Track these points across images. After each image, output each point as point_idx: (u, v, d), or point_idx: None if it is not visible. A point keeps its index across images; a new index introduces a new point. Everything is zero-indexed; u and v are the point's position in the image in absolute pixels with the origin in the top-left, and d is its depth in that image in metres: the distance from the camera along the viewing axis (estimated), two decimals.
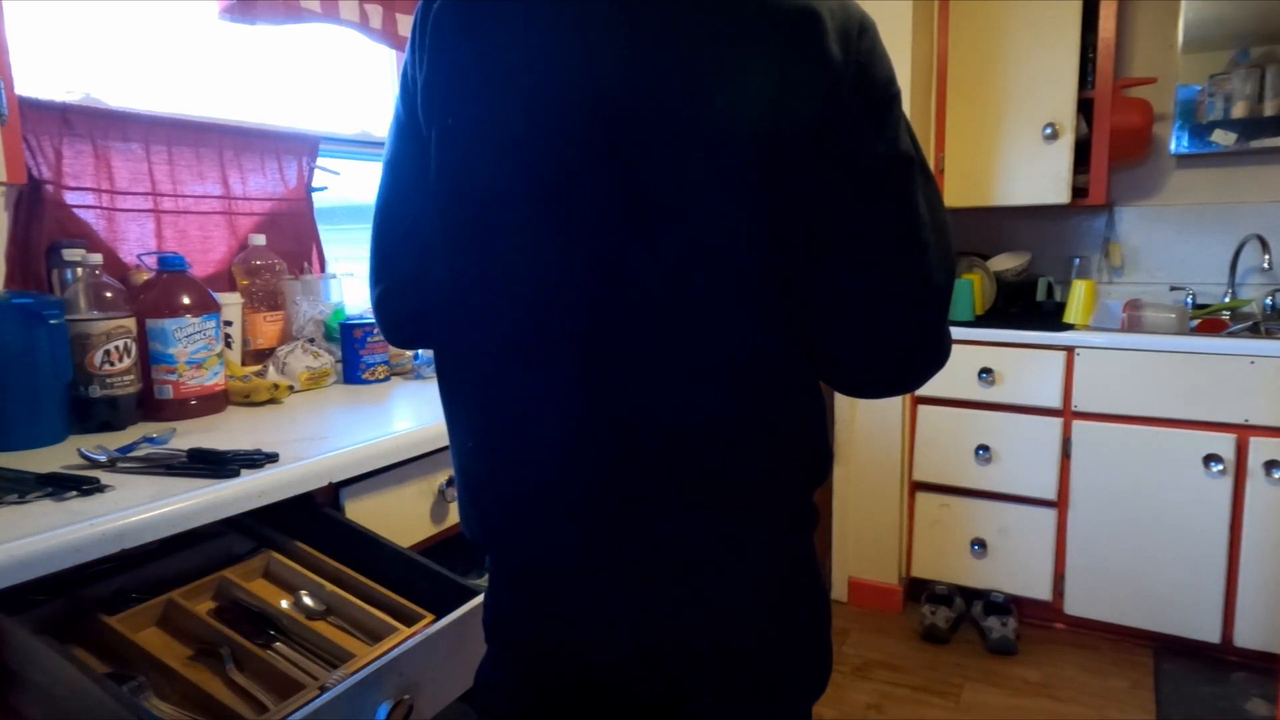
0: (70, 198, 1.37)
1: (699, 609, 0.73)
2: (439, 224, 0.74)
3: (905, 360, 0.74)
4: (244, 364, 1.62)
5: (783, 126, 0.66)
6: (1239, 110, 2.49)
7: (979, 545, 2.54)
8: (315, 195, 1.83)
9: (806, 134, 0.67)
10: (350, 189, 1.95)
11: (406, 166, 0.77)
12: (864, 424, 2.63)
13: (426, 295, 0.78)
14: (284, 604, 1.05)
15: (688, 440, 0.70)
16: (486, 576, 0.84)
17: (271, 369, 1.55)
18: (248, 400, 1.42)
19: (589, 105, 0.66)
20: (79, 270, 1.27)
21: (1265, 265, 2.49)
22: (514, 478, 0.73)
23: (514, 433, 0.72)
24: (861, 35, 0.69)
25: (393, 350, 1.71)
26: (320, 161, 1.83)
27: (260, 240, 1.68)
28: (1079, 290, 2.48)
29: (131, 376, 1.26)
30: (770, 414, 0.72)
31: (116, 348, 1.24)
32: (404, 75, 0.76)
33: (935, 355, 0.74)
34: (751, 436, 0.71)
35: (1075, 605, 2.42)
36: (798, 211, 0.69)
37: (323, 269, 1.84)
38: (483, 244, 0.71)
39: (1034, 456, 2.43)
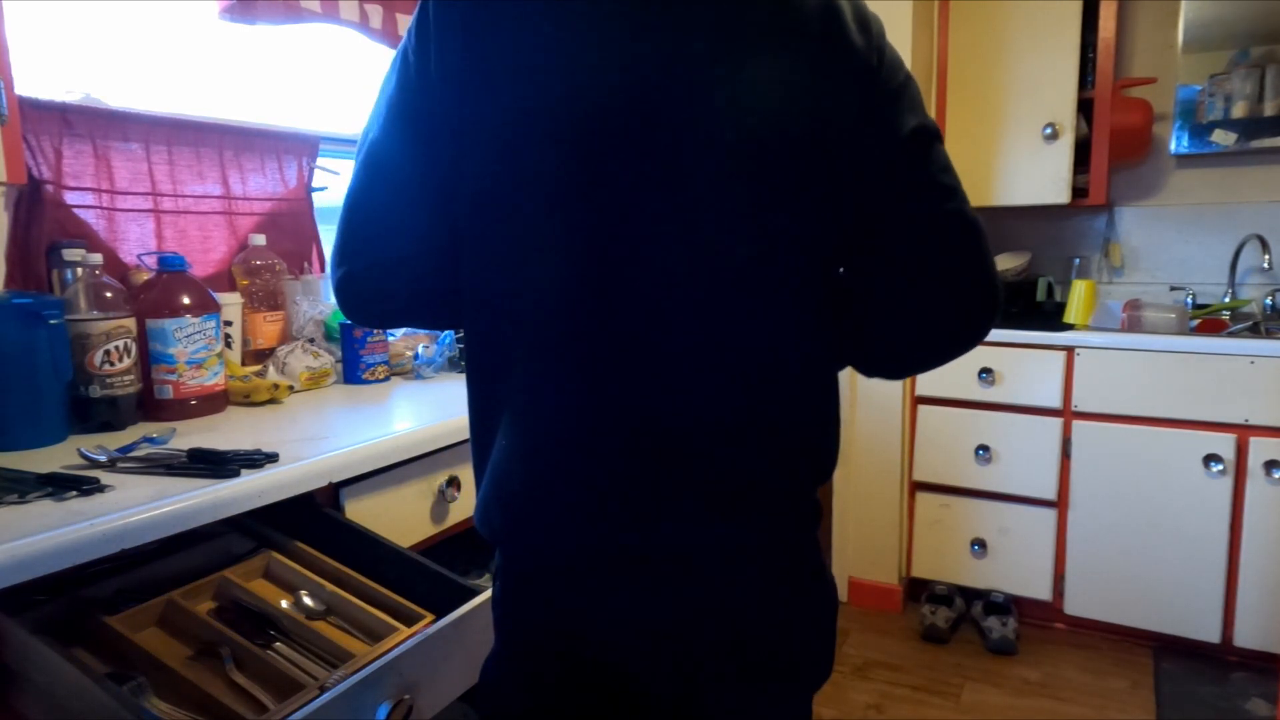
0: (70, 198, 1.37)
1: (710, 602, 0.74)
2: (446, 224, 0.74)
3: (958, 322, 0.75)
4: (244, 364, 1.62)
5: (817, 119, 0.68)
6: (1239, 110, 2.49)
7: (979, 545, 2.54)
8: (315, 195, 1.83)
9: (841, 124, 0.69)
10: None
11: (394, 158, 0.76)
12: (864, 424, 2.63)
13: (398, 279, 0.78)
14: (284, 604, 1.05)
15: (701, 437, 0.70)
16: (490, 575, 0.84)
17: (271, 369, 1.55)
18: (248, 400, 1.42)
19: (609, 102, 0.67)
20: (79, 270, 1.27)
21: (1265, 265, 2.49)
22: (533, 474, 0.73)
23: (534, 430, 0.72)
24: (873, 23, 0.73)
25: (393, 350, 1.71)
26: (320, 161, 1.83)
27: (260, 240, 1.68)
28: (1079, 290, 2.47)
29: (131, 376, 1.26)
30: (784, 411, 0.73)
31: (116, 348, 1.24)
32: (403, 66, 0.75)
33: (992, 289, 0.74)
34: (765, 434, 0.72)
35: (1075, 605, 2.42)
36: (831, 200, 0.71)
37: (323, 269, 1.84)
38: (501, 244, 0.71)
39: (1034, 456, 2.43)
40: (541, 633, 0.78)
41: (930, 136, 0.73)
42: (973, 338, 0.77)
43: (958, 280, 0.73)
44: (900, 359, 0.80)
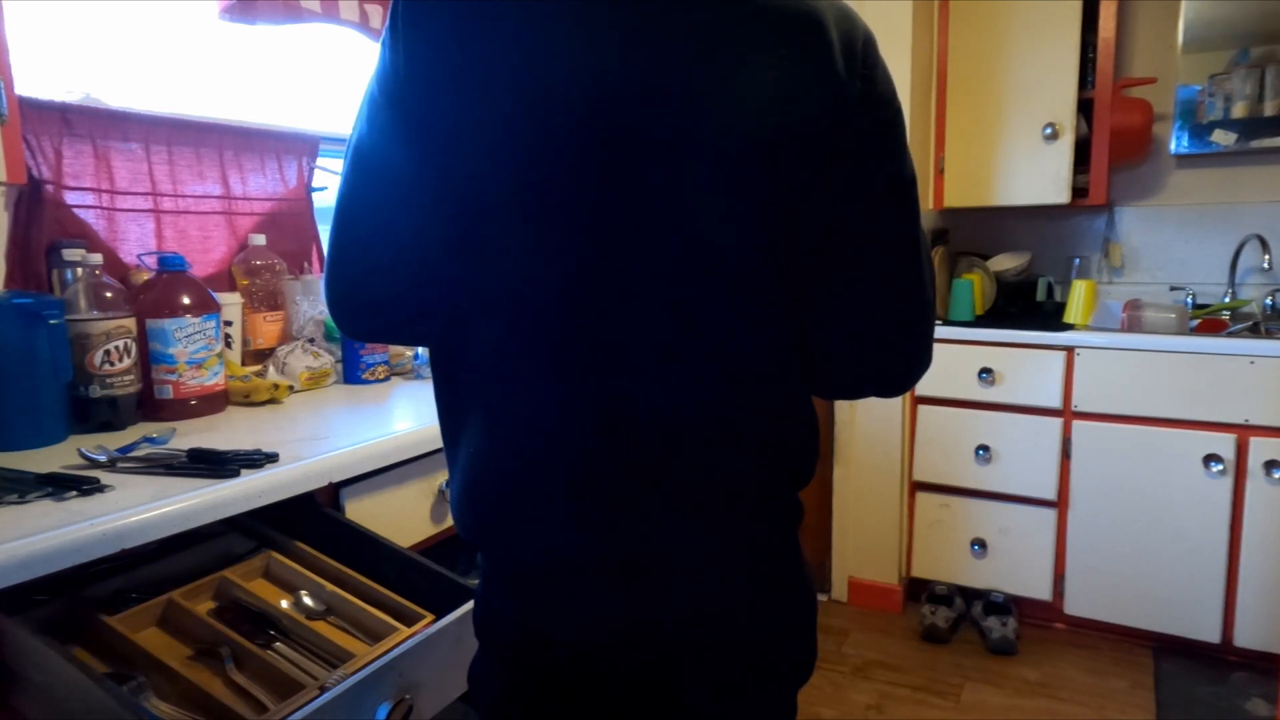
0: (70, 198, 1.37)
1: (690, 602, 0.74)
2: (434, 227, 0.73)
3: (899, 366, 0.79)
4: (244, 364, 1.62)
5: (785, 131, 0.67)
6: (1239, 110, 2.49)
7: (979, 545, 2.54)
8: (315, 195, 1.83)
9: (810, 141, 0.68)
10: None
11: (380, 159, 0.74)
12: (864, 424, 2.63)
13: (392, 287, 0.75)
14: (284, 604, 1.05)
15: (682, 439, 0.70)
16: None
17: (271, 369, 1.55)
18: (248, 400, 1.42)
19: (590, 104, 0.66)
20: (79, 270, 1.27)
21: (1265, 265, 2.49)
22: (513, 477, 0.73)
23: (514, 433, 0.72)
24: (866, 49, 0.71)
25: (393, 350, 1.71)
26: (320, 161, 1.83)
27: (260, 240, 1.68)
28: (1079, 290, 2.48)
29: (131, 376, 1.26)
30: (764, 415, 0.73)
31: (116, 348, 1.24)
32: (381, 65, 0.73)
33: (924, 363, 0.80)
34: (745, 437, 0.72)
35: (1075, 605, 2.42)
36: (800, 216, 0.71)
37: (323, 269, 1.84)
38: (483, 247, 0.71)
39: (1034, 456, 2.43)
40: (519, 635, 0.78)
41: (908, 185, 0.74)
42: (895, 392, 0.82)
43: (895, 348, 0.78)
44: (827, 389, 0.81)
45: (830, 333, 0.76)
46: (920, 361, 0.79)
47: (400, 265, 0.75)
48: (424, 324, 0.77)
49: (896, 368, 0.79)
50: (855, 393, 0.82)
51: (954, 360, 2.51)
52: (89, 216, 1.41)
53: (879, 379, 0.80)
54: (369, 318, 0.79)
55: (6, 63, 1.21)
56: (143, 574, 1.04)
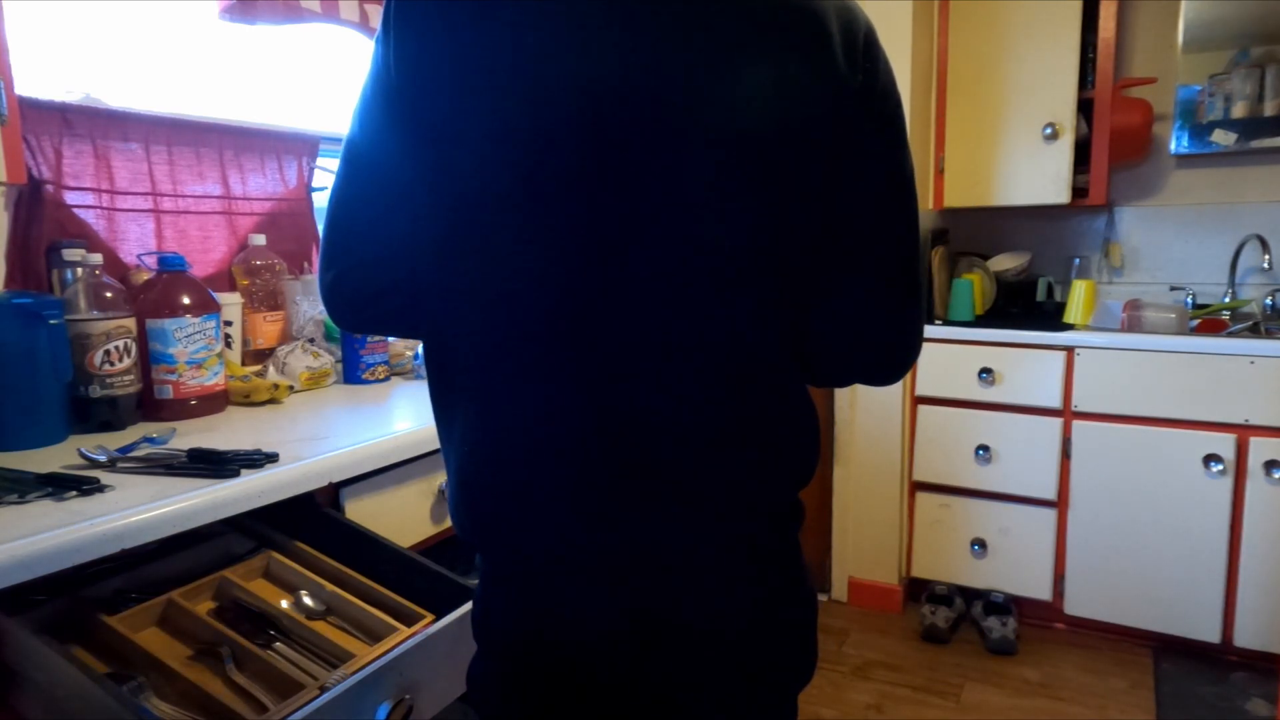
0: (70, 198, 1.37)
1: (690, 603, 0.74)
2: (428, 224, 0.73)
3: (894, 358, 0.80)
4: (244, 364, 1.62)
5: (786, 128, 0.67)
6: (1239, 110, 2.49)
7: (979, 545, 2.54)
8: (315, 195, 1.83)
9: (811, 138, 0.69)
10: None
11: (373, 156, 0.75)
12: (864, 424, 2.63)
13: (384, 279, 0.76)
14: (284, 604, 1.05)
15: (681, 440, 0.70)
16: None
17: (271, 369, 1.55)
18: (248, 400, 1.42)
19: (588, 101, 0.66)
20: (79, 270, 1.27)
21: (1265, 265, 2.49)
22: (508, 475, 0.72)
23: (510, 430, 0.72)
24: (867, 42, 0.71)
25: (393, 350, 1.71)
26: (320, 161, 1.83)
27: (260, 240, 1.68)
28: (1079, 290, 2.48)
29: (131, 376, 1.26)
30: (763, 414, 0.73)
31: (116, 348, 1.24)
32: (374, 64, 0.74)
33: (915, 355, 0.81)
34: (745, 437, 0.72)
35: (1075, 605, 2.42)
36: (801, 214, 0.71)
37: None
38: (478, 243, 0.70)
39: (1034, 456, 2.43)
40: (517, 635, 0.77)
41: (908, 179, 0.75)
42: (886, 382, 0.83)
43: (890, 338, 0.79)
44: (817, 377, 0.82)
45: (826, 324, 0.76)
46: (913, 355, 0.80)
47: (390, 259, 0.75)
48: (415, 317, 0.78)
49: (891, 360, 0.79)
50: (844, 381, 0.83)
51: (954, 360, 2.51)
52: (89, 216, 1.41)
53: (872, 370, 0.81)
54: (358, 309, 0.79)
55: (6, 63, 1.21)
56: (143, 574, 1.04)
